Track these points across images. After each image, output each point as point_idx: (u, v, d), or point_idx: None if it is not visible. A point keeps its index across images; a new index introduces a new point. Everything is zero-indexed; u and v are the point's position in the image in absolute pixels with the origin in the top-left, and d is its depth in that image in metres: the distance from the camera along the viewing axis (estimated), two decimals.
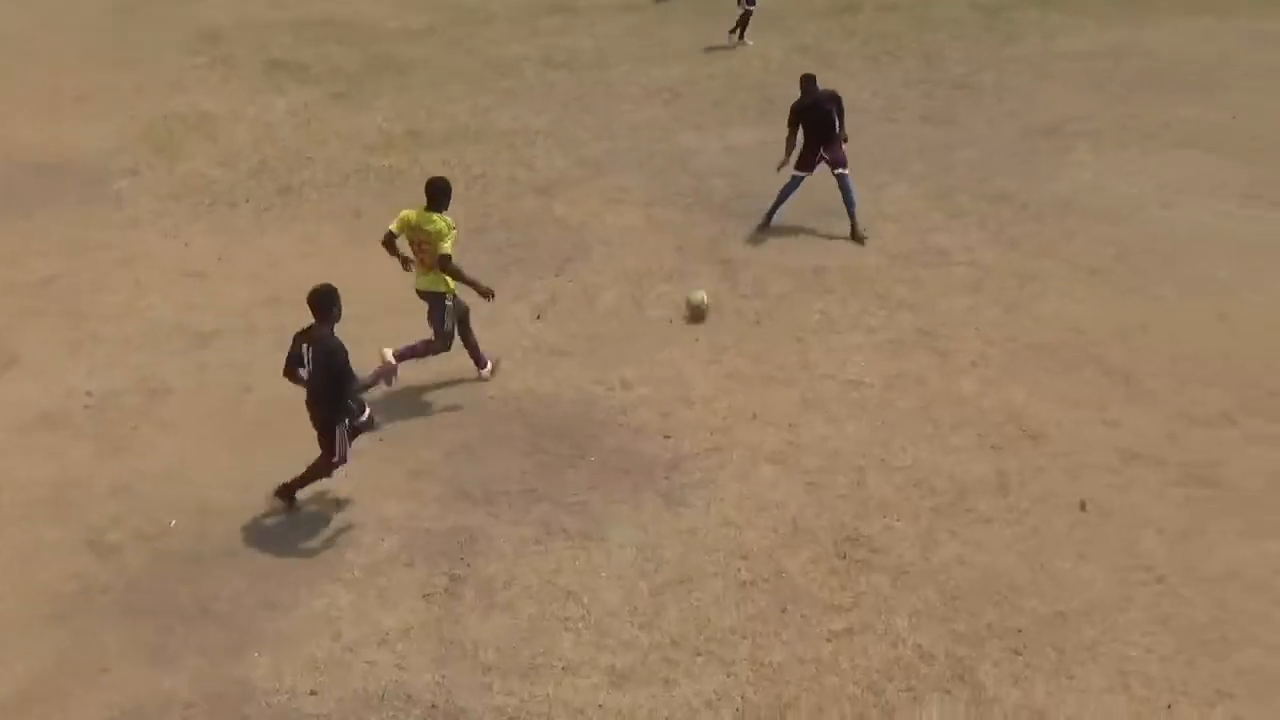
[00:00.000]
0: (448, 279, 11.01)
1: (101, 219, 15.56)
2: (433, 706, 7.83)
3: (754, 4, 23.14)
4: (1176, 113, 18.90)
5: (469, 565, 9.11)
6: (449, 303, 11.14)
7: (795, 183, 14.85)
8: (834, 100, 14.91)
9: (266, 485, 9.98)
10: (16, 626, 8.56)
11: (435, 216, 10.97)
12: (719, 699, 7.84)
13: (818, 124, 14.71)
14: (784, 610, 8.61)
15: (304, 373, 9.42)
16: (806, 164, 14.84)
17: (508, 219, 15.46)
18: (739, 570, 9.02)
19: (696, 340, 12.31)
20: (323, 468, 9.65)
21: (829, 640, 8.32)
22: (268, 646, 8.34)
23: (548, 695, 7.90)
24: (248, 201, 16.17)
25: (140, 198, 16.30)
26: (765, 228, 14.94)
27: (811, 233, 14.86)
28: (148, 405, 11.33)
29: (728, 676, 8.02)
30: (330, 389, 9.36)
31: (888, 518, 9.57)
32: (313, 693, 7.95)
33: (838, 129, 14.74)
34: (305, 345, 9.39)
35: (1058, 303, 12.95)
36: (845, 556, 9.14)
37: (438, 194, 11.11)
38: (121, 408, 11.28)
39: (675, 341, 12.32)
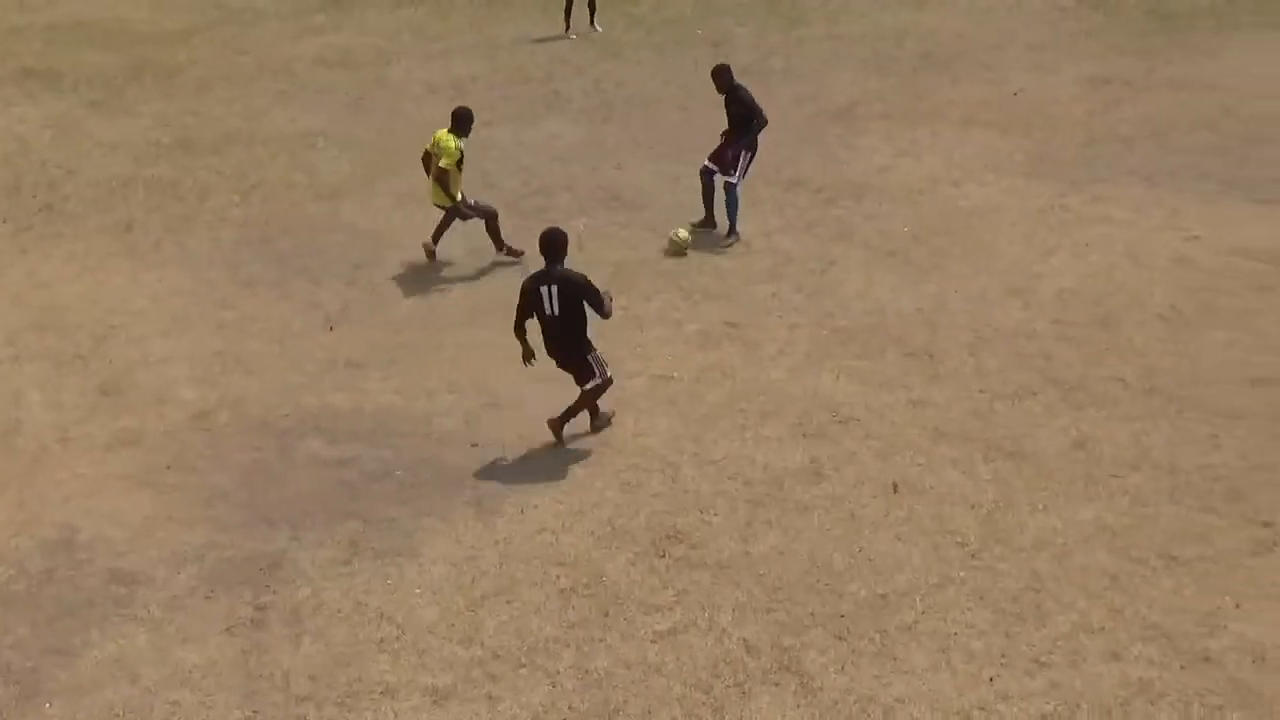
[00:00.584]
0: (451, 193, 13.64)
1: None
2: None
3: None
4: (961, 92, 19.66)
5: (274, 593, 8.89)
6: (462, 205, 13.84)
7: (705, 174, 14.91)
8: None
9: (47, 521, 9.61)
10: None
11: (449, 136, 13.61)
12: (545, 711, 7.82)
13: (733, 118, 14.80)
14: (606, 614, 8.63)
15: (549, 312, 10.25)
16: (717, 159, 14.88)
17: (290, 226, 15.17)
18: (558, 577, 9.01)
19: (497, 344, 12.25)
20: (593, 394, 10.51)
21: (654, 641, 8.37)
22: (59, 696, 8.00)
23: None
24: (4, 221, 15.45)
25: None
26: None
27: (611, 225, 14.96)
28: None
29: (553, 687, 8.01)
30: (579, 320, 10.33)
31: (705, 513, 9.68)
32: None
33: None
34: (546, 287, 10.20)
35: (859, 286, 13.32)
36: (665, 555, 9.21)
37: (457, 120, 13.73)
38: None
39: (475, 346, 12.23)
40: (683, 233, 13.88)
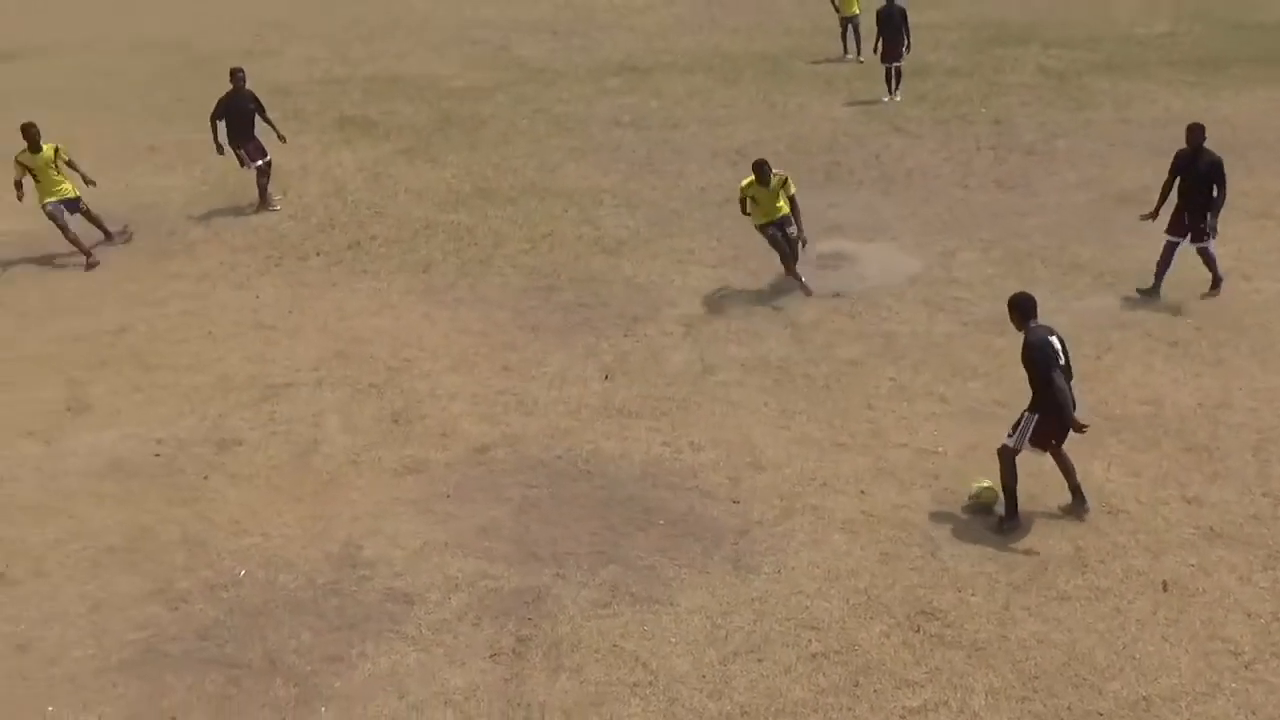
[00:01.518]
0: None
1: (175, 271, 15.85)
2: None
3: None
4: (1256, 183, 18.73)
5: (536, 626, 9.08)
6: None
7: (1169, 249, 14.48)
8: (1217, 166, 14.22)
9: (335, 537, 10.07)
10: (87, 675, 8.65)
11: (774, 182, 14.66)
12: None
13: (1196, 184, 14.26)
14: (856, 684, 8.49)
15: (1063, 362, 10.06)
16: (1177, 228, 14.48)
17: (575, 277, 15.55)
18: (810, 641, 8.91)
19: (766, 405, 12.28)
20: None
21: (903, 717, 8.19)
22: (334, 703, 8.37)
23: None
24: (318, 255, 16.41)
25: (212, 249, 16.57)
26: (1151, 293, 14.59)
27: (882, 295, 14.83)
28: (218, 456, 11.46)
29: None
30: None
31: (962, 591, 9.43)
32: None
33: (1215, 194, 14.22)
34: (1055, 339, 10.12)
35: (1136, 374, 12.78)
36: (919, 630, 9.00)
37: (757, 170, 14.62)
38: (192, 457, 11.42)
39: (743, 405, 12.28)
40: (988, 489, 10.99)
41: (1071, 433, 10.05)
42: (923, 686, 8.47)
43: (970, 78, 25.49)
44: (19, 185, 15.74)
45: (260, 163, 18.14)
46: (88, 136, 21.73)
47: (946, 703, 8.31)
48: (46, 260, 16.07)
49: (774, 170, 14.73)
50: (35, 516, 10.49)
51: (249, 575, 9.67)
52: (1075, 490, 10.40)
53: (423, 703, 8.36)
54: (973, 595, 9.39)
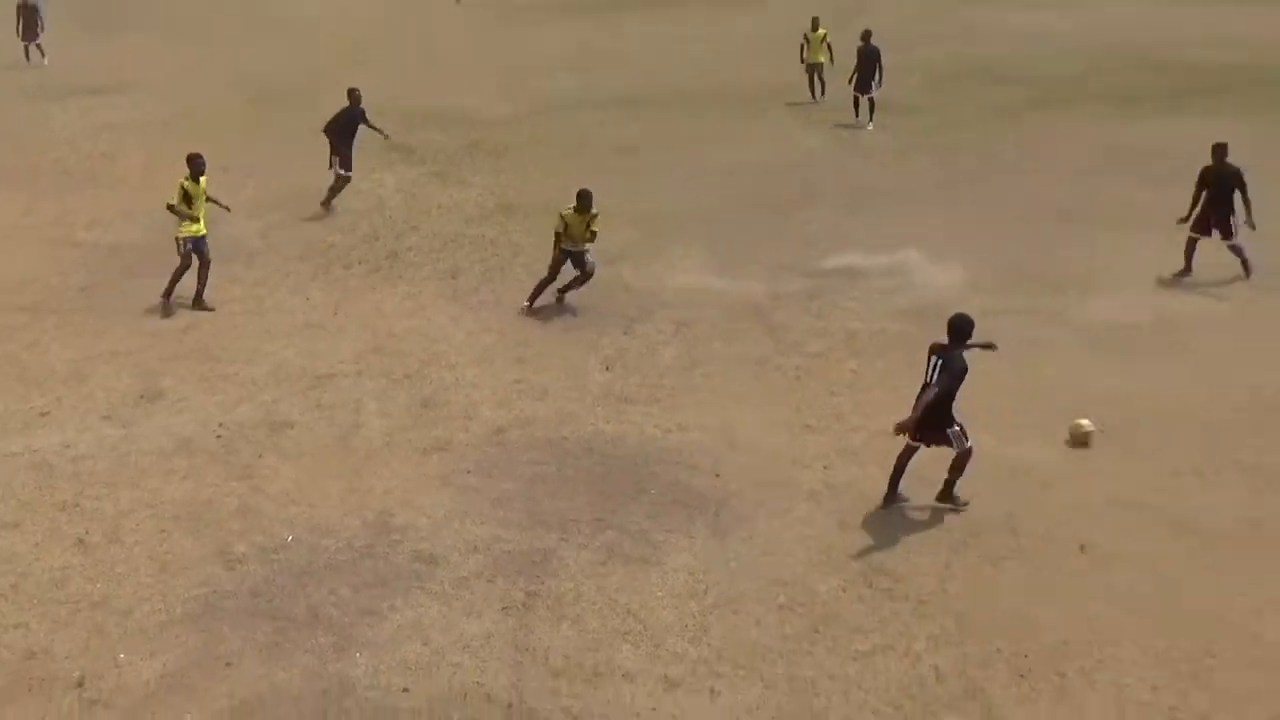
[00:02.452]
0: None
1: (235, 276, 15.83)
2: (509, 706, 7.84)
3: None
4: (1165, 196, 18.57)
5: (542, 583, 9.12)
6: None
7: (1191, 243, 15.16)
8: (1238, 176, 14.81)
9: (370, 507, 10.10)
10: (155, 625, 8.69)
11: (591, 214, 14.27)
12: (757, 708, 7.79)
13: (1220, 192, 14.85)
14: (816, 631, 8.55)
15: (926, 379, 9.78)
16: (1201, 227, 15.13)
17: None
18: (777, 594, 8.97)
19: (744, 393, 12.28)
20: (963, 460, 9.91)
21: (855, 659, 8.24)
22: (367, 649, 8.39)
23: (609, 699, 7.88)
24: (361, 264, 16.39)
25: (269, 259, 16.58)
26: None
27: (847, 298, 14.81)
28: (271, 437, 11.47)
29: (765, 689, 7.96)
30: (949, 398, 9.69)
31: (909, 552, 9.49)
32: (405, 690, 7.99)
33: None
34: (936, 358, 9.75)
35: (1062, 368, 12.77)
36: (871, 585, 9.07)
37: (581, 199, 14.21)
38: (248, 438, 11.44)
39: (725, 393, 12.30)
40: (1086, 424, 11.29)
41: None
42: (873, 633, 8.52)
43: (925, 112, 25.40)
44: (172, 208, 14.73)
45: (344, 172, 18.63)
46: (167, 162, 21.66)
47: (893, 647, 8.37)
48: (129, 270, 16.04)
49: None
50: (111, 489, 10.51)
51: (296, 540, 9.70)
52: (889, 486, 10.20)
53: (444, 649, 8.40)
54: (918, 556, 9.46)
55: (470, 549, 9.57)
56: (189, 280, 14.65)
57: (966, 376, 9.68)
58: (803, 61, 26.31)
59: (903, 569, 9.24)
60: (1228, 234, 14.92)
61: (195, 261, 14.63)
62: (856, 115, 24.63)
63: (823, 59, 26.11)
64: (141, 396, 12.32)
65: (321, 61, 32.38)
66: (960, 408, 9.94)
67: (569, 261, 14.59)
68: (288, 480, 10.64)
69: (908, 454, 10.01)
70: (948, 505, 10.04)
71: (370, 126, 18.97)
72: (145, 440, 11.38)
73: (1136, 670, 8.06)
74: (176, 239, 14.70)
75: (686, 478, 10.64)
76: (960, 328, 9.79)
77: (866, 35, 24.70)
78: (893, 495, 10.13)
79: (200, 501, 10.30)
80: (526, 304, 14.56)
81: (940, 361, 9.70)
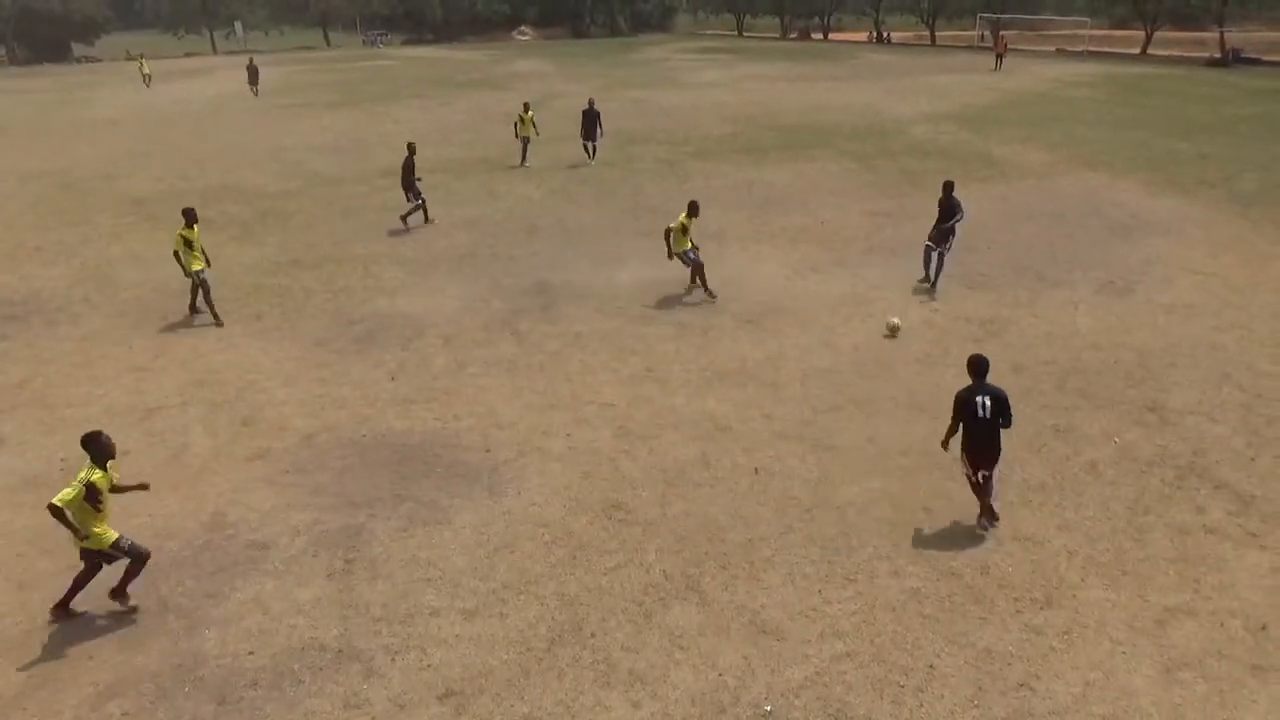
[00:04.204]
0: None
1: (62, 335, 14.24)
2: (339, 651, 7.47)
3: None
4: (789, 220, 19.92)
5: (358, 551, 8.74)
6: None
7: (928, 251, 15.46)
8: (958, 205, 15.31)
9: (206, 510, 9.36)
10: (18, 636, 7.73)
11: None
12: (538, 621, 7.76)
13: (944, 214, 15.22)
14: (574, 557, 8.59)
15: (981, 415, 8.33)
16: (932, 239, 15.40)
17: (364, 315, 14.91)
18: (543, 534, 8.95)
19: (502, 386, 12.18)
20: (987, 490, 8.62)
21: (605, 574, 8.34)
22: (215, 625, 7.80)
23: (421, 633, 7.65)
24: (175, 314, 15.08)
25: (93, 318, 15.00)
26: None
27: (571, 308, 14.94)
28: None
29: (541, 606, 7.95)
30: (1003, 426, 8.44)
31: (636, 489, 9.67)
32: (250, 653, 7.48)
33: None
34: (980, 397, 8.35)
35: (729, 343, 13.40)
36: (610, 517, 9.19)
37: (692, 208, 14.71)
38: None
39: (487, 388, 12.14)
40: (895, 320, 13.38)
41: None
42: (616, 553, 8.65)
43: (615, 166, 25.97)
44: (178, 255, 14.40)
45: (417, 200, 19.89)
46: None
47: (631, 561, 8.52)
48: None
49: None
50: None
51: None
52: (981, 505, 8.78)
53: (281, 614, 7.91)
54: (642, 492, 9.64)
55: (295, 532, 9.04)
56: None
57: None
58: (516, 135, 26.35)
59: (633, 503, 9.43)
60: (942, 243, 15.33)
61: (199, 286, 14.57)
62: (589, 155, 26.38)
63: (534, 133, 26.24)
64: None
65: (118, 153, 29.60)
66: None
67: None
68: (130, 498, 9.54)
69: (985, 479, 8.65)
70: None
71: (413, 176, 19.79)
72: None
73: (801, 551, 8.57)
74: (188, 271, 14.49)
75: (464, 455, 10.45)
76: (982, 366, 8.52)
77: (591, 102, 26.66)
78: (985, 506, 8.77)
79: (50, 526, 9.08)
80: (708, 296, 15.10)
81: (988, 398, 8.39)
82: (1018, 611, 7.73)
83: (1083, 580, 8.08)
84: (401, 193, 20.27)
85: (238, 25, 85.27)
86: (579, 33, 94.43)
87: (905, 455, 10.14)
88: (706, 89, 43.30)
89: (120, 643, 7.58)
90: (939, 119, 33.04)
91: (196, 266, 14.47)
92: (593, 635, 7.56)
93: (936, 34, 76.82)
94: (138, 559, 7.86)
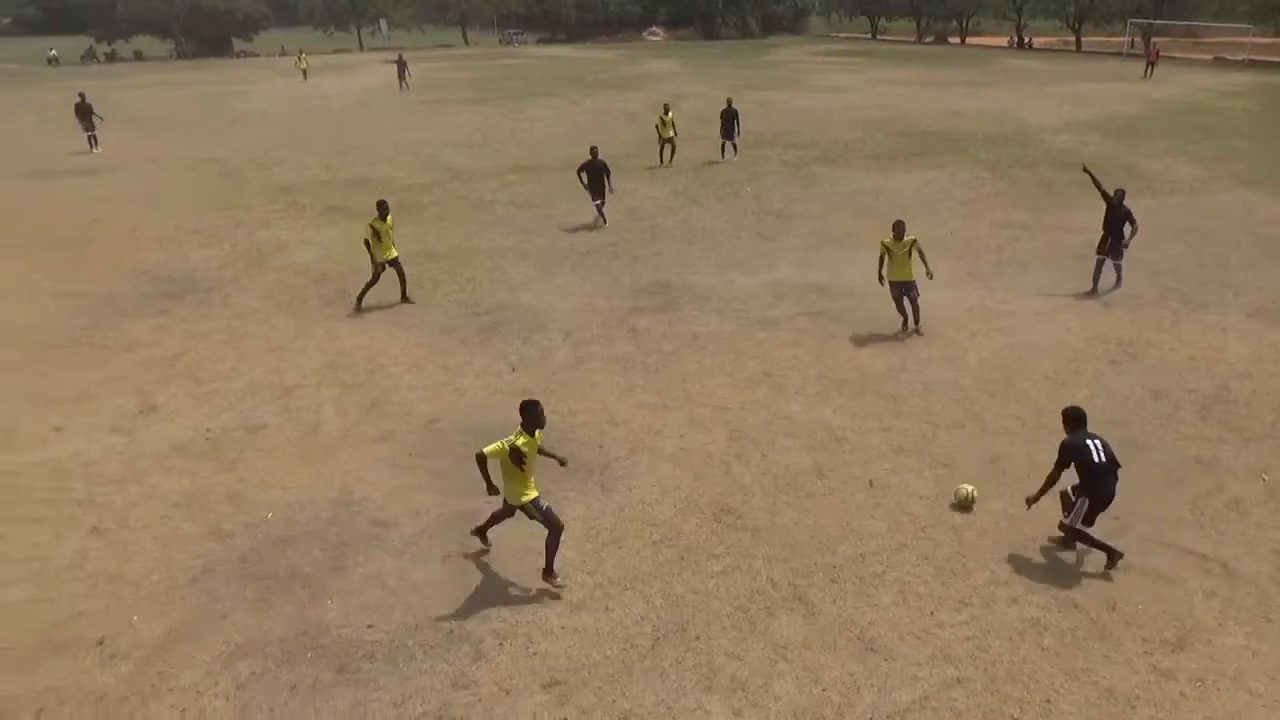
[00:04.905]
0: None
1: (213, 313, 15.14)
2: (450, 632, 7.69)
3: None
4: (916, 229, 19.32)
5: (473, 537, 8.93)
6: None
7: (1100, 264, 15.13)
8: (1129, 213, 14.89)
9: (334, 487, 9.76)
10: (161, 591, 8.26)
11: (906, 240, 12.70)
12: (643, 619, 7.79)
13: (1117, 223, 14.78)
14: (682, 559, 8.59)
15: (1099, 460, 7.98)
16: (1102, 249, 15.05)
17: (491, 306, 15.30)
18: (651, 533, 8.98)
19: (617, 383, 12.28)
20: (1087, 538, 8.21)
21: (711, 577, 8.31)
22: (337, 597, 8.13)
23: (528, 621, 7.79)
24: (315, 299, 15.82)
25: (241, 298, 15.90)
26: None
27: (690, 309, 14.93)
28: (250, 437, 11.00)
29: (647, 604, 7.98)
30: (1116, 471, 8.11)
31: (746, 495, 9.59)
32: (369, 626, 7.77)
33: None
34: (1091, 441, 8.04)
35: (849, 352, 13.13)
36: (720, 521, 9.15)
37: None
38: (231, 439, 10.94)
39: (603, 385, 12.27)
40: (968, 489, 9.42)
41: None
42: (724, 557, 8.60)
43: (739, 168, 25.83)
44: (368, 244, 14.94)
45: (600, 203, 19.74)
46: (151, 225, 20.69)
47: (739, 567, 8.46)
48: (122, 313, 15.18)
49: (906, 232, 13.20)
50: (119, 486, 9.94)
51: (274, 516, 9.33)
52: (1101, 548, 8.28)
53: (398, 590, 8.19)
54: (753, 498, 9.56)
55: (415, 513, 9.34)
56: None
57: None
58: (659, 136, 26.36)
59: (743, 508, 9.36)
60: (1117, 255, 15.10)
61: (394, 273, 15.07)
62: (722, 155, 26.50)
63: (672, 134, 26.22)
64: (140, 412, 11.66)
65: (269, 143, 31.26)
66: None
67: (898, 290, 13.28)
68: (265, 470, 10.21)
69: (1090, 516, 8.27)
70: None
71: (609, 181, 19.69)
72: (146, 446, 10.78)
73: (914, 570, 8.32)
74: (373, 261, 14.92)
75: (577, 450, 10.56)
76: (1079, 416, 8.25)
77: (729, 101, 27.20)
78: (1107, 548, 8.28)
79: (194, 491, 9.81)
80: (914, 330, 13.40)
81: (1099, 441, 8.11)
82: (1146, 652, 7.30)
83: (1220, 625, 7.57)
84: (584, 192, 19.98)
85: (383, 23, 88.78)
86: (710, 34, 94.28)
87: (1030, 479, 9.70)
88: (836, 92, 42.57)
89: (252, 606, 7.99)
90: (1081, 128, 31.56)
91: (390, 255, 14.97)
92: (696, 638, 7.53)
93: (1082, 39, 73.34)
94: (552, 528, 8.10)
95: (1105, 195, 15.08)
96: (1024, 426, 10.82)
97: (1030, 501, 8.36)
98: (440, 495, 9.66)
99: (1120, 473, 8.14)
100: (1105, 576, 8.16)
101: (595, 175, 19.66)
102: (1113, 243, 14.99)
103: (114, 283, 16.66)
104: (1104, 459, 8.03)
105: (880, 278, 13.46)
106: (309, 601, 8.07)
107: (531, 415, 8.04)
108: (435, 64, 64.23)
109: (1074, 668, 7.15)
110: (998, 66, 56.44)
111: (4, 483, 9.99)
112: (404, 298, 15.30)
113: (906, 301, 13.44)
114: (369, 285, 15.11)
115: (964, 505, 9.23)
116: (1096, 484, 8.06)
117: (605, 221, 19.93)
